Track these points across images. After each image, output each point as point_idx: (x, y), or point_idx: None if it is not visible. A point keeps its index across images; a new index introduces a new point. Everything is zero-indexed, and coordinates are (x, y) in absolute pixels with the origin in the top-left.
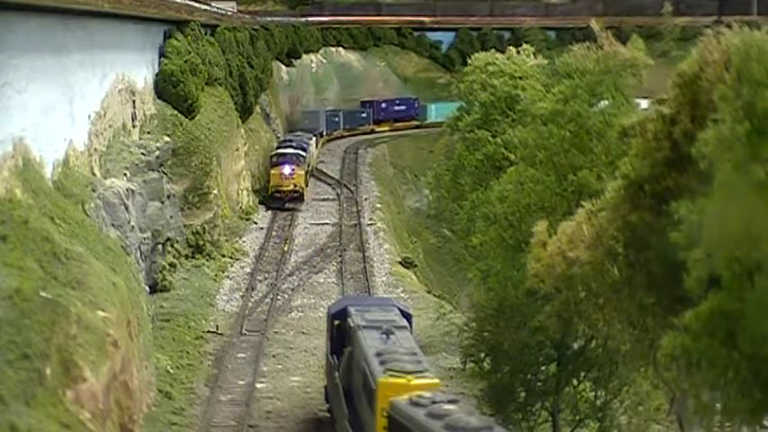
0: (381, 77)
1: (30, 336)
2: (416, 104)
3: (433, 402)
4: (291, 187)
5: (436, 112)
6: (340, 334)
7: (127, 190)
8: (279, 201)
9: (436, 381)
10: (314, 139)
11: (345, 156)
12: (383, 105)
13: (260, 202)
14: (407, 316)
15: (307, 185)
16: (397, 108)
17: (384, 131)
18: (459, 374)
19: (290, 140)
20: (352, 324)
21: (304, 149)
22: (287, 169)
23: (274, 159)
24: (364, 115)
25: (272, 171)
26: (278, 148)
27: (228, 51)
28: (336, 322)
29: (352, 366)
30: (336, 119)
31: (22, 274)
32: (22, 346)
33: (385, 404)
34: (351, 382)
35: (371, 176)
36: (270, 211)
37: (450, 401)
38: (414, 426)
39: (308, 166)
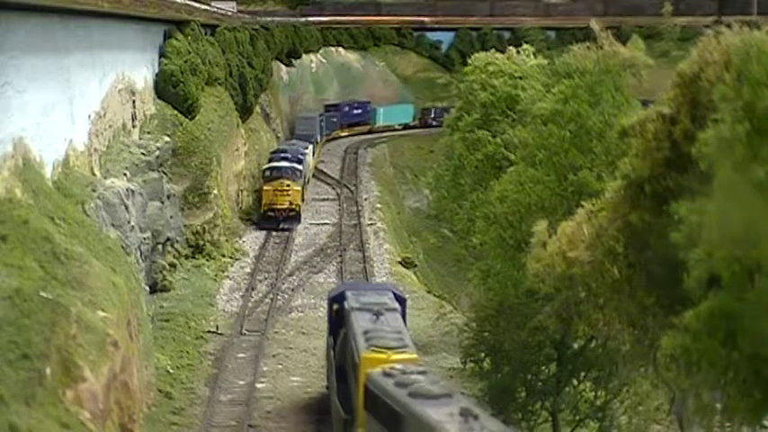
0: (381, 77)
1: (30, 336)
2: (369, 108)
3: (403, 373)
4: (287, 205)
5: (384, 116)
6: (337, 317)
7: (127, 190)
8: (272, 220)
9: (415, 356)
10: (310, 147)
11: (345, 156)
12: (345, 109)
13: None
14: (401, 300)
15: (303, 201)
16: (355, 112)
17: (343, 137)
18: (460, 374)
19: (285, 151)
20: (347, 307)
21: (300, 162)
22: (281, 185)
23: (267, 174)
24: (335, 120)
25: (265, 187)
26: (271, 160)
27: (228, 51)
28: (335, 306)
29: (346, 345)
30: (323, 123)
31: (22, 274)
32: (22, 346)
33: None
34: (344, 360)
35: (371, 176)
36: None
37: (419, 373)
38: (382, 394)
39: (305, 178)
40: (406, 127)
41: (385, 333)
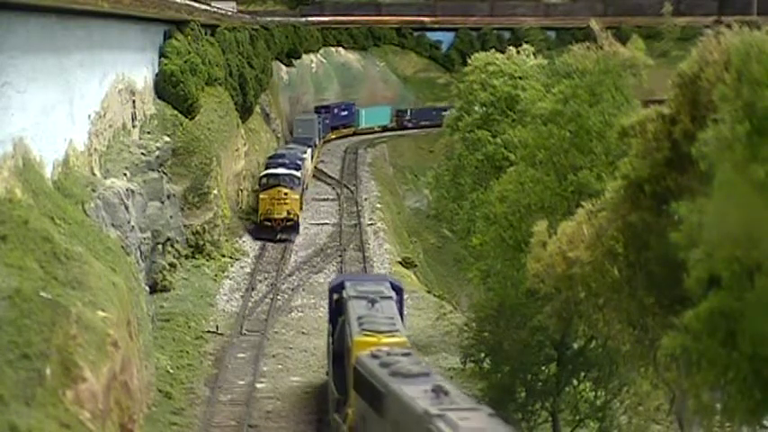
0: (381, 77)
1: (30, 336)
2: (354, 110)
3: (388, 355)
4: (284, 214)
5: (366, 117)
6: (337, 306)
7: (127, 190)
8: (269, 230)
9: (404, 339)
10: (308, 151)
11: (345, 156)
12: (335, 111)
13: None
14: (398, 289)
15: (302, 209)
16: (342, 114)
17: (333, 139)
18: (460, 374)
19: (282, 156)
20: (345, 295)
21: (297, 168)
22: (278, 193)
23: (264, 181)
24: (327, 122)
25: (261, 196)
26: (267, 167)
27: (228, 51)
28: (335, 296)
29: (342, 331)
30: (320, 125)
31: (22, 274)
32: (22, 346)
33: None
34: (341, 345)
35: (371, 176)
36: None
37: (403, 354)
38: (368, 374)
39: (304, 184)
40: (384, 129)
41: (377, 318)
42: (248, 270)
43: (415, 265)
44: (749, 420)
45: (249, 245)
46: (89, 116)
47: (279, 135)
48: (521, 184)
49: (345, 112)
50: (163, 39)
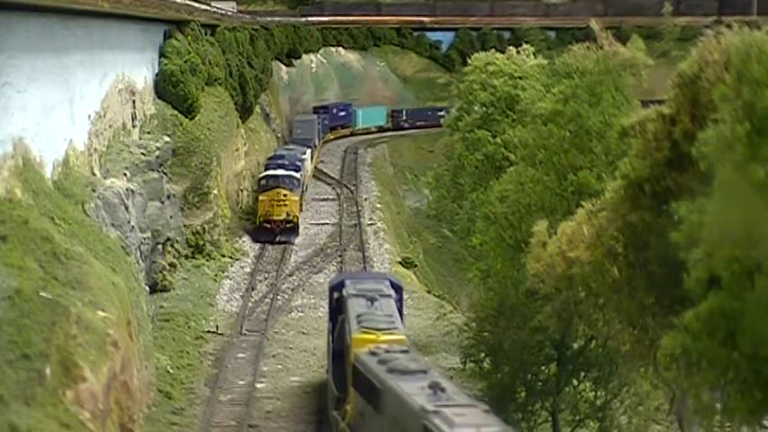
0: (381, 77)
1: (30, 336)
2: (351, 110)
3: (386, 352)
4: (284, 216)
5: (363, 117)
6: (337, 304)
7: (127, 190)
8: (269, 233)
9: (403, 337)
10: (308, 152)
11: (345, 155)
12: (334, 111)
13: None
14: (397, 287)
15: (301, 210)
16: (340, 114)
17: (331, 140)
18: (460, 374)
19: (282, 157)
20: (344, 294)
21: (297, 169)
22: (278, 195)
23: (263, 183)
24: (326, 122)
25: (261, 197)
26: (267, 168)
27: (228, 51)
28: (335, 294)
29: (342, 330)
30: (320, 126)
31: (22, 274)
32: (22, 346)
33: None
34: (341, 343)
35: (371, 176)
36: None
37: (401, 352)
38: (366, 371)
39: (303, 186)
40: (381, 129)
41: (376, 316)
42: (248, 270)
43: (415, 265)
44: (749, 420)
45: (249, 245)
46: (89, 116)
47: (279, 135)
48: (521, 184)
49: (343, 113)
50: (163, 39)
